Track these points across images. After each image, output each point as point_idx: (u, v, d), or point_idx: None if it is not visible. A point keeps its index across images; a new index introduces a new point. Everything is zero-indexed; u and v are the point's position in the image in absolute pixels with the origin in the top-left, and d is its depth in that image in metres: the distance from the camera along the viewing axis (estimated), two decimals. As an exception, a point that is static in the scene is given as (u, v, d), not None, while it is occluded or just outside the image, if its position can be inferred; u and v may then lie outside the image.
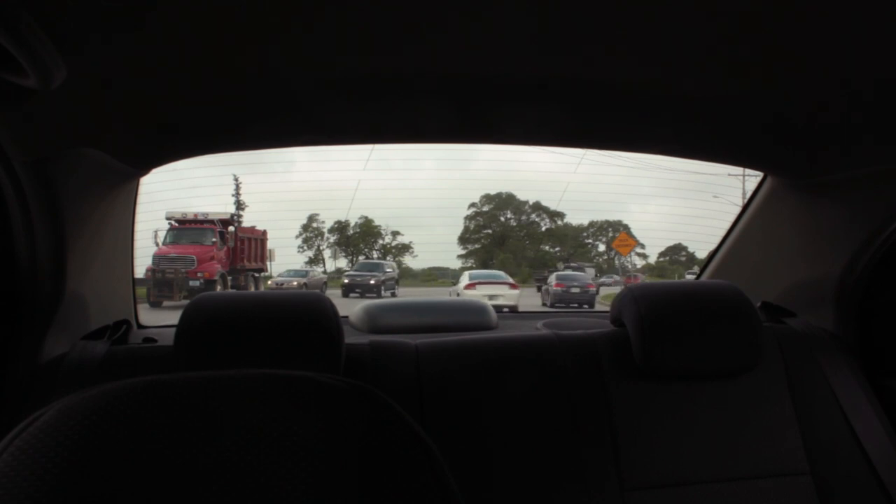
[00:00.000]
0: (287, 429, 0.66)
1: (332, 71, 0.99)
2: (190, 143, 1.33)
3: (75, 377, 1.10)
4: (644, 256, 36.67)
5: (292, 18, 0.80)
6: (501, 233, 41.57)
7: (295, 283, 20.02)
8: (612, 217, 41.70)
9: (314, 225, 39.18)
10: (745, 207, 1.75)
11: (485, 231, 42.18)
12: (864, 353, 1.44)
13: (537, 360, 1.25)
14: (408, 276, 33.34)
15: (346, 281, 19.58)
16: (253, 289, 17.65)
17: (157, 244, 16.70)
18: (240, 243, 18.52)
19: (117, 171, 1.25)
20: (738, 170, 13.35)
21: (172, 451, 0.63)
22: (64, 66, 0.79)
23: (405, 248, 39.73)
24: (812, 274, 1.53)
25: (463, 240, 41.34)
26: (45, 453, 0.60)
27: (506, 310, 2.67)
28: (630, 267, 30.28)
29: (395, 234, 40.09)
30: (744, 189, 17.53)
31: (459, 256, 40.45)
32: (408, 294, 15.47)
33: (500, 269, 22.12)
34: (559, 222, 41.84)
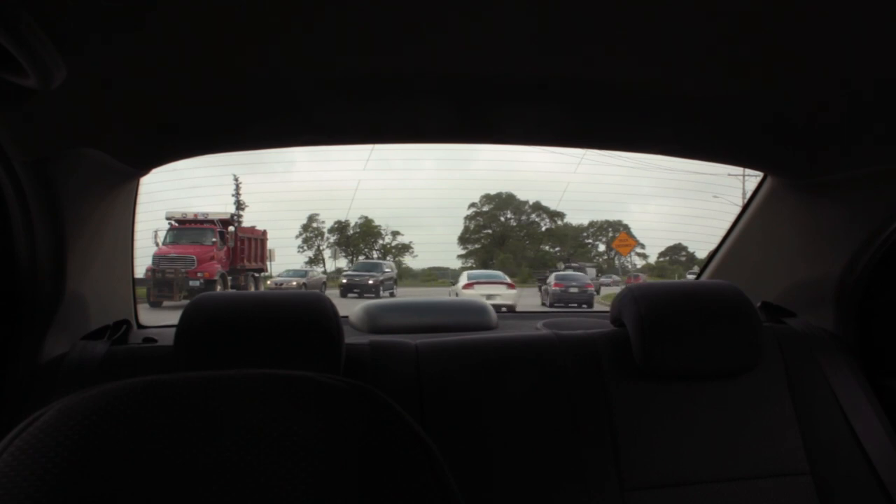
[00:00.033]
0: (287, 429, 0.66)
1: (332, 71, 0.99)
2: (190, 143, 1.33)
3: (75, 377, 1.10)
4: (644, 256, 36.73)
5: (292, 18, 0.80)
6: (501, 233, 41.52)
7: (294, 283, 19.97)
8: (612, 217, 41.75)
9: (314, 225, 39.15)
10: (745, 207, 1.75)
11: (485, 231, 42.14)
12: (864, 353, 1.44)
13: (537, 360, 1.25)
14: (408, 276, 33.32)
15: (344, 281, 19.57)
16: (253, 289, 17.63)
17: (157, 244, 16.68)
18: (240, 243, 18.49)
19: (117, 171, 1.25)
20: (738, 170, 13.36)
21: (172, 451, 0.63)
22: (64, 66, 0.79)
23: (405, 248, 39.74)
24: (812, 274, 1.53)
25: (463, 240, 41.36)
26: (45, 453, 0.60)
27: (504, 309, 2.69)
28: (630, 267, 30.31)
29: (395, 234, 40.10)
30: (744, 189, 17.54)
31: (459, 256, 40.49)
32: (407, 294, 15.48)
33: (500, 270, 22.21)
34: (559, 222, 41.86)
